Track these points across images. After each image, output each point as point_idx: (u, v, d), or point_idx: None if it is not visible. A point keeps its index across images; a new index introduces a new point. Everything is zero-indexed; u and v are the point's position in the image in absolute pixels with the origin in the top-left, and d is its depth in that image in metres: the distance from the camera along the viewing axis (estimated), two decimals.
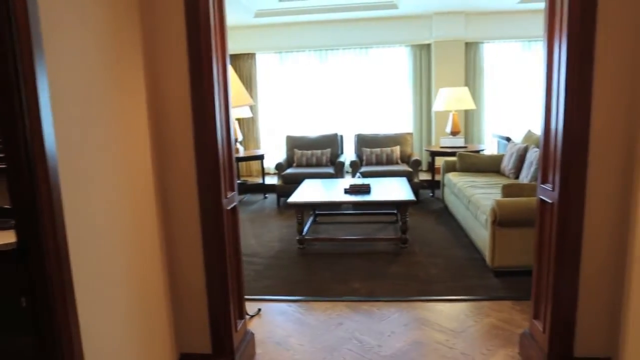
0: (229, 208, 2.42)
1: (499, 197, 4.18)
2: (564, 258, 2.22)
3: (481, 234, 4.06)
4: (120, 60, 1.94)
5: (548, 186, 2.27)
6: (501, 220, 3.60)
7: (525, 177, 4.80)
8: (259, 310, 3.37)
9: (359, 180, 4.95)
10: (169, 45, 2.20)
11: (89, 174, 1.70)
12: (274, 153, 8.51)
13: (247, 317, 3.22)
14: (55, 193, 1.45)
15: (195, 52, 2.17)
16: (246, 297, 3.48)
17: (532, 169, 4.64)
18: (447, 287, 3.61)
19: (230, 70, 2.73)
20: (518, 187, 3.80)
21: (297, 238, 4.65)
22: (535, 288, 2.50)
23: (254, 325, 3.15)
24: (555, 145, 2.18)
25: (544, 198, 2.32)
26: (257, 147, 8.57)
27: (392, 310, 3.28)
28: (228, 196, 2.40)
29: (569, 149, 2.10)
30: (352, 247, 4.69)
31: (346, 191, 4.82)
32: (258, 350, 2.85)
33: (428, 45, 7.99)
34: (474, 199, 4.40)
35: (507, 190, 3.78)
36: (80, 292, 1.56)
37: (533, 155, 4.74)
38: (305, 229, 5.01)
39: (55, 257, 1.42)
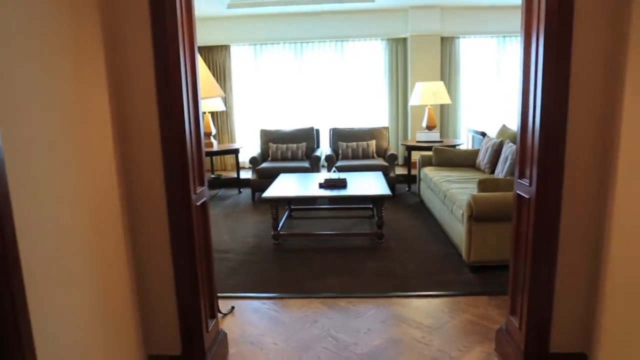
0: (198, 204, 2.32)
1: (474, 191, 4.17)
2: (541, 254, 2.19)
3: (457, 228, 4.04)
4: (77, 46, 1.81)
5: (525, 181, 2.25)
6: (477, 215, 3.59)
7: (500, 171, 4.81)
8: (232, 308, 3.28)
9: (334, 175, 4.89)
10: (132, 32, 2.08)
11: (41, 170, 1.58)
12: (249, 147, 8.37)
13: (220, 315, 3.13)
14: (2, 189, 1.33)
15: (161, 41, 2.06)
16: (219, 294, 3.40)
17: (507, 163, 4.65)
18: (424, 282, 3.58)
19: (200, 61, 2.63)
20: (494, 182, 3.80)
21: (272, 233, 4.57)
22: (512, 284, 2.48)
23: (227, 324, 3.06)
24: (533, 141, 2.15)
25: (520, 193, 2.29)
26: (233, 141, 8.41)
27: (368, 307, 3.23)
28: (197, 191, 2.30)
29: (546, 144, 2.07)
30: (328, 242, 4.63)
31: (321, 186, 4.75)
32: (231, 350, 2.76)
33: (404, 39, 7.96)
34: (450, 194, 4.38)
35: (483, 185, 3.77)
36: (33, 295, 1.45)
37: (508, 150, 4.75)
38: (280, 224, 4.93)
39: (3, 260, 1.31)
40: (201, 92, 2.54)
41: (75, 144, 1.78)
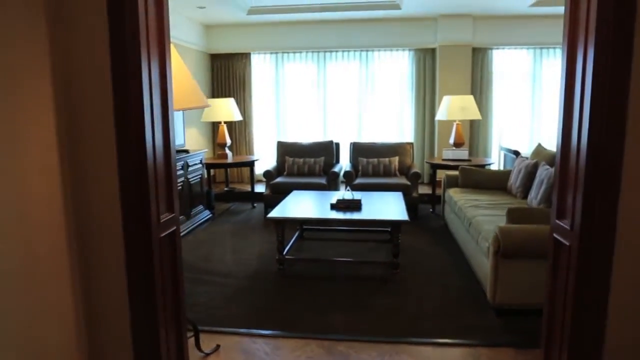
0: (163, 235, 1.94)
1: (503, 221, 3.69)
2: (585, 313, 1.73)
3: (482, 263, 3.55)
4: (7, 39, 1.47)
5: (564, 223, 1.78)
6: (505, 251, 3.10)
7: (534, 197, 4.29)
8: (218, 346, 2.88)
9: (348, 195, 4.46)
10: (86, 30, 1.73)
11: None
12: (268, 159, 8.04)
13: (202, 355, 2.75)
14: None
15: (118, 38, 1.70)
16: (206, 328, 3.03)
17: (543, 188, 4.13)
18: (439, 326, 3.10)
19: (180, 65, 2.27)
20: (526, 212, 3.30)
21: (277, 257, 4.17)
22: (546, 335, 2.01)
23: None
24: (577, 173, 1.69)
25: (559, 237, 1.82)
26: (250, 152, 8.10)
27: (372, 355, 2.77)
28: (163, 220, 1.93)
29: (594, 178, 1.61)
30: (338, 269, 4.20)
31: (333, 207, 4.33)
32: None
33: (432, 50, 7.50)
34: (476, 222, 3.90)
35: (513, 215, 3.27)
36: None
37: (544, 173, 4.23)
38: (289, 246, 4.53)
39: None
40: (181, 101, 2.18)
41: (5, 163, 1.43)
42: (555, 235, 1.84)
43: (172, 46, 2.25)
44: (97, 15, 1.70)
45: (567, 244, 1.74)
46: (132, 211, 1.81)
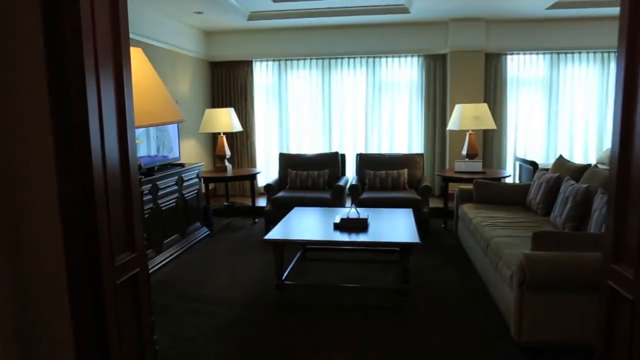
0: (121, 281, 1.58)
1: (526, 242, 3.29)
2: None
3: (503, 292, 3.15)
4: None
5: (625, 269, 1.39)
6: (532, 283, 2.70)
7: (558, 215, 3.88)
8: None
9: (353, 213, 4.08)
10: (14, 24, 1.38)
11: None
12: (271, 172, 7.70)
13: None
14: None
15: (56, 42, 1.35)
16: None
17: (568, 206, 3.73)
18: None
19: (150, 74, 1.92)
20: (554, 236, 2.90)
21: (275, 283, 3.79)
22: None
23: None
24: None
25: (616, 288, 1.43)
26: (252, 165, 7.74)
27: None
28: (119, 262, 1.56)
29: None
30: (341, 296, 3.81)
31: (337, 227, 3.95)
32: None
33: (443, 56, 7.12)
34: (494, 244, 3.50)
35: (540, 242, 2.87)
36: None
37: (569, 189, 3.83)
38: (290, 267, 4.16)
39: None
40: (149, 116, 1.82)
41: None
42: (610, 283, 1.45)
43: (138, 52, 1.90)
44: (31, 7, 1.36)
45: (631, 298, 1.35)
46: (75, 253, 1.45)
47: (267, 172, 7.77)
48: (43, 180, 1.43)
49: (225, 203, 6.95)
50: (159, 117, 1.89)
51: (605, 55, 6.85)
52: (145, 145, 4.67)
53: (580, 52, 6.90)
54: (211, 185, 7.50)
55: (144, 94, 1.84)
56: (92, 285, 1.47)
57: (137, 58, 1.88)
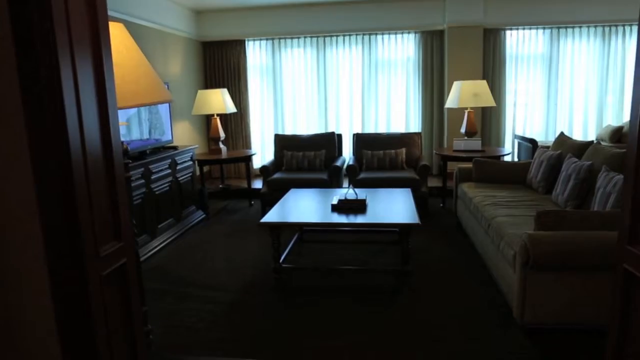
0: (107, 272, 1.49)
1: (528, 220, 3.22)
2: None
3: (506, 272, 3.09)
4: None
5: None
6: (536, 263, 2.63)
7: (560, 193, 3.80)
8: None
9: (351, 194, 3.99)
10: None
11: None
12: (267, 153, 7.59)
13: None
14: None
15: (21, 13, 1.24)
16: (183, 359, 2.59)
17: (571, 184, 3.65)
18: (459, 351, 2.65)
19: (134, 53, 1.80)
20: (558, 215, 2.82)
21: (273, 267, 3.72)
22: None
23: None
24: None
25: (632, 271, 1.35)
26: (248, 146, 7.63)
27: None
28: (104, 253, 1.47)
29: None
30: (340, 279, 3.75)
31: (334, 208, 3.87)
32: None
33: (440, 32, 6.96)
34: (496, 224, 3.43)
35: (544, 220, 2.79)
36: None
37: (571, 167, 3.74)
38: (287, 250, 4.09)
39: None
40: (144, 95, 1.72)
41: None
42: (626, 266, 1.37)
43: (119, 28, 1.78)
44: None
45: None
46: (56, 245, 1.35)
47: (262, 153, 7.66)
48: (19, 168, 1.33)
49: (221, 186, 6.85)
50: (145, 97, 1.78)
51: (607, 29, 6.70)
52: (137, 128, 4.55)
53: (580, 27, 6.75)
54: (206, 168, 7.40)
55: (127, 73, 1.73)
56: (75, 278, 1.38)
57: (118, 35, 1.76)
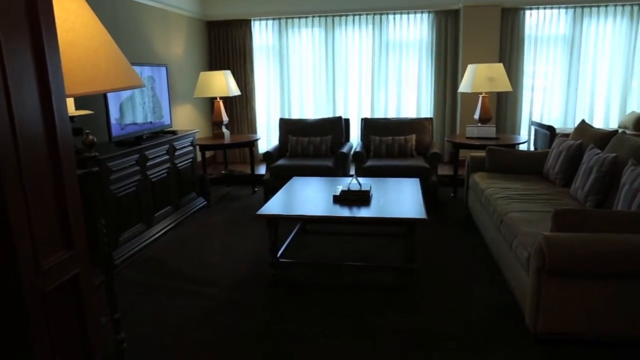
0: (53, 287, 1.28)
1: (543, 221, 2.96)
2: None
3: (518, 274, 2.84)
4: None
5: None
6: (552, 267, 2.38)
7: (579, 187, 3.53)
8: None
9: (354, 184, 3.75)
10: None
11: None
12: (272, 138, 7.37)
13: None
14: None
15: None
16: None
17: (592, 177, 3.37)
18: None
19: (96, 31, 1.57)
20: (578, 215, 2.55)
21: (270, 262, 3.52)
22: None
23: None
24: None
25: None
26: (253, 131, 7.39)
27: None
28: (47, 266, 1.26)
29: None
30: (341, 275, 3.54)
31: (336, 200, 3.64)
32: None
33: (455, 12, 6.60)
34: (509, 220, 3.17)
35: (562, 221, 2.53)
36: None
37: (593, 158, 3.46)
38: (287, 242, 3.90)
39: None
40: (100, 82, 1.50)
41: None
42: None
43: (78, 2, 1.55)
44: None
45: None
46: None
47: (268, 138, 7.44)
48: None
49: (224, 171, 6.66)
50: (105, 83, 1.55)
51: (635, 8, 6.28)
52: (131, 112, 4.34)
53: (607, 6, 6.34)
54: (210, 153, 7.20)
55: (84, 55, 1.50)
56: (9, 297, 1.18)
57: (75, 10, 1.52)
